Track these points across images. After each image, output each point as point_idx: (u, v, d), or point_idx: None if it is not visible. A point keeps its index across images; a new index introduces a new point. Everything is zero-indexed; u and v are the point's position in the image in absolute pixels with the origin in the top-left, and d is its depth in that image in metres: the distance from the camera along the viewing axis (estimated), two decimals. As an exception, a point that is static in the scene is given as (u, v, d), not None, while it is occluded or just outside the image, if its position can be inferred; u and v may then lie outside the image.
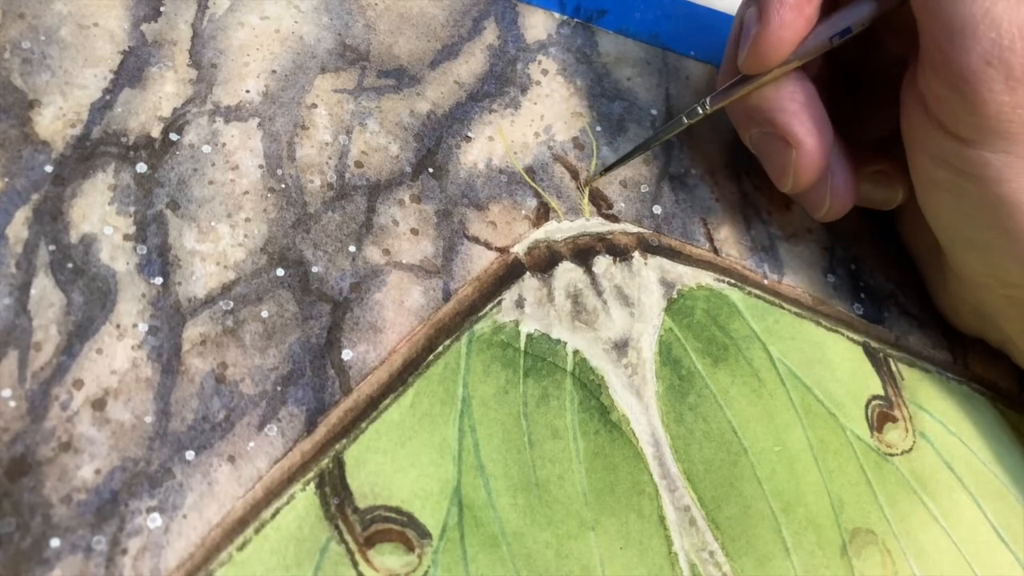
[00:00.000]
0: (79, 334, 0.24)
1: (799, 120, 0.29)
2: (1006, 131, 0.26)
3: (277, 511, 0.24)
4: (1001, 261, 0.28)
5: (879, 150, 0.32)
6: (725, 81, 0.31)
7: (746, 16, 0.29)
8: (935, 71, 0.26)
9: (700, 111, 0.30)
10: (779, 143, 0.30)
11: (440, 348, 0.27)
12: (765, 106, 0.30)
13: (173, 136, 0.28)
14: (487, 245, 0.29)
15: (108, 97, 0.28)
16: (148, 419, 0.24)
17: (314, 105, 0.30)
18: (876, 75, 0.32)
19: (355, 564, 0.24)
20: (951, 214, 0.29)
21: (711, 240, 0.32)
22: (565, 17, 0.35)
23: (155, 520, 0.23)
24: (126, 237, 0.26)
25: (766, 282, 0.32)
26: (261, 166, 0.28)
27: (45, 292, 0.24)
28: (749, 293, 0.31)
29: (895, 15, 0.28)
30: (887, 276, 0.34)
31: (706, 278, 0.31)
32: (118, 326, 0.25)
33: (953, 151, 0.27)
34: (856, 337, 0.32)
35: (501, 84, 0.33)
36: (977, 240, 0.29)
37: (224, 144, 0.28)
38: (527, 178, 0.31)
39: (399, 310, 0.27)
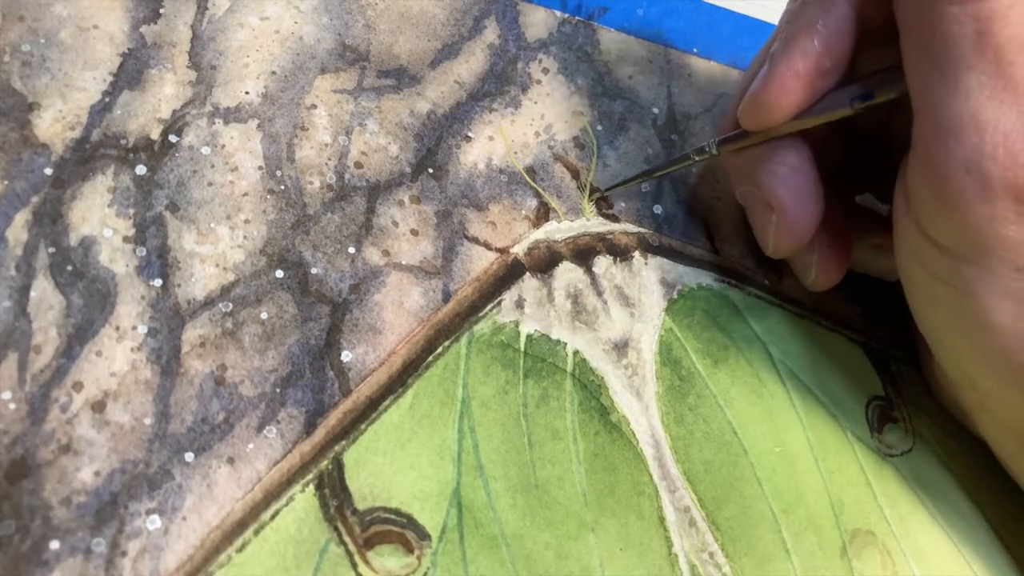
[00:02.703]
0: (79, 336, 0.24)
1: (785, 185, 0.28)
2: (980, 244, 0.23)
3: (276, 513, 0.24)
4: (973, 371, 0.26)
5: (883, 222, 0.30)
6: (730, 129, 0.30)
7: (752, 66, 0.28)
8: (918, 169, 0.25)
9: (708, 150, 0.30)
10: (762, 205, 0.29)
11: (440, 349, 0.27)
12: (753, 166, 0.29)
13: (172, 138, 0.28)
14: (487, 245, 0.29)
15: (107, 99, 0.28)
16: (147, 421, 0.24)
17: (314, 106, 0.30)
18: (895, 148, 0.30)
19: (354, 566, 0.24)
20: (928, 315, 0.27)
21: (712, 240, 0.32)
22: (566, 15, 0.35)
23: (154, 522, 0.23)
24: (125, 239, 0.26)
25: (767, 282, 0.32)
26: (260, 167, 0.28)
27: (45, 294, 0.24)
28: (750, 293, 0.31)
29: None
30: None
31: (707, 278, 0.31)
32: (117, 328, 0.25)
33: (930, 255, 0.25)
34: (857, 337, 0.32)
35: (502, 83, 0.33)
36: (952, 345, 0.27)
37: (223, 146, 0.28)
38: (527, 178, 0.31)
39: (398, 311, 0.27)
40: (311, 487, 0.24)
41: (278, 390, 0.25)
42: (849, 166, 0.31)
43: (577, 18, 0.35)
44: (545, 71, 0.33)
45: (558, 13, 0.35)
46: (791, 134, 0.28)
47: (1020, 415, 0.26)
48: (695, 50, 0.36)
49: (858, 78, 0.27)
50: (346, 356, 0.26)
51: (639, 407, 0.28)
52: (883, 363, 0.32)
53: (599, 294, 0.30)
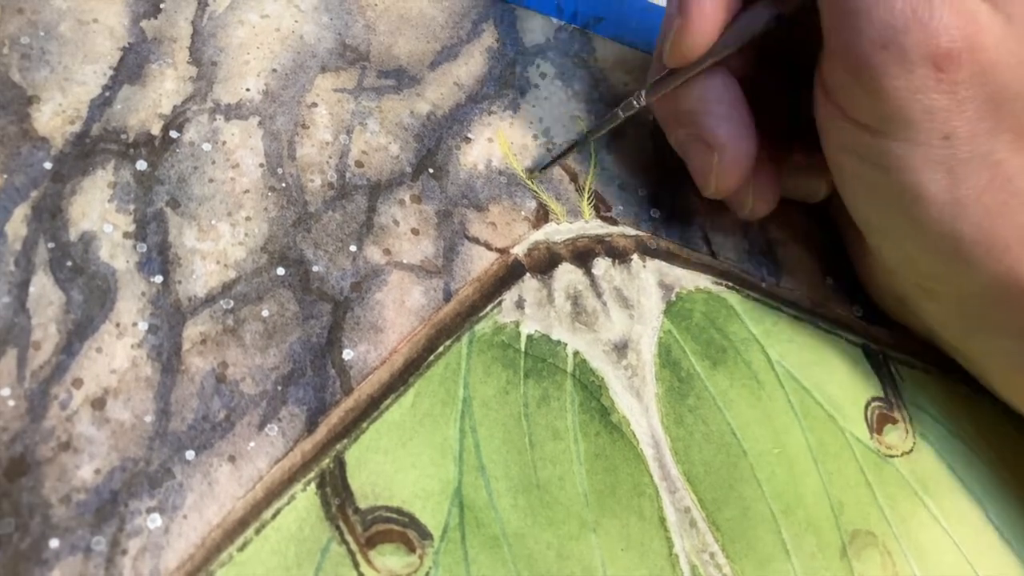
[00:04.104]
0: (78, 333, 0.24)
1: (724, 123, 0.29)
2: (905, 118, 0.24)
3: (278, 511, 0.24)
4: (912, 251, 0.27)
5: (801, 144, 0.31)
6: (656, 75, 0.30)
7: (668, 8, 0.28)
8: (834, 56, 0.26)
9: (635, 104, 0.30)
10: (702, 146, 0.29)
11: (441, 348, 0.27)
12: (691, 108, 0.29)
13: (173, 134, 0.28)
14: (487, 246, 0.29)
15: (108, 94, 0.27)
16: (148, 418, 0.24)
17: (314, 104, 0.30)
18: (797, 67, 0.31)
19: (356, 565, 0.23)
20: (863, 202, 0.28)
21: (709, 243, 0.32)
22: (563, 23, 0.35)
23: (155, 520, 0.23)
24: (126, 235, 0.26)
25: (764, 285, 0.32)
26: (261, 165, 0.28)
27: (44, 290, 0.24)
28: (747, 296, 0.32)
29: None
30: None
31: (704, 281, 0.31)
32: (118, 325, 0.24)
33: (857, 139, 0.26)
34: (855, 339, 0.32)
35: (500, 86, 0.33)
36: (888, 229, 0.28)
37: (224, 142, 0.28)
38: (526, 180, 0.31)
39: (400, 310, 0.27)
40: (312, 486, 0.24)
41: (279, 388, 0.25)
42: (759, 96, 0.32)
43: (573, 26, 0.35)
44: (543, 75, 0.34)
45: (555, 20, 0.35)
46: (719, 72, 0.29)
47: (960, 288, 0.27)
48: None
49: None
50: (347, 354, 0.26)
51: (639, 408, 0.28)
52: (882, 364, 0.32)
53: (599, 296, 0.30)
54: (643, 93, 0.30)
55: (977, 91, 0.24)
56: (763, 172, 0.30)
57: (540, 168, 0.32)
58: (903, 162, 0.25)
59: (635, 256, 0.31)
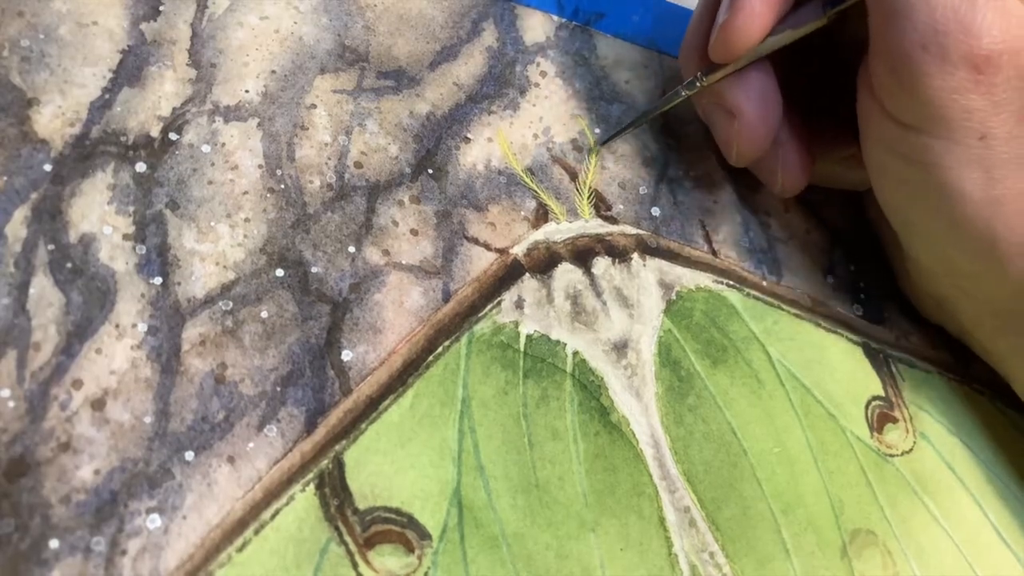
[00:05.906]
0: (78, 334, 0.24)
1: (743, 92, 0.29)
2: (944, 117, 0.25)
3: (277, 512, 0.24)
4: (947, 250, 0.28)
5: (850, 133, 0.31)
6: (689, 54, 0.31)
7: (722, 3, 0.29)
8: (877, 55, 0.26)
9: (698, 84, 0.30)
10: (724, 113, 0.30)
11: (440, 349, 0.27)
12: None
13: (172, 136, 0.28)
14: (486, 246, 0.29)
15: (107, 96, 0.27)
16: (147, 419, 0.24)
17: (313, 106, 0.30)
18: (848, 60, 0.31)
19: (355, 565, 0.24)
20: (900, 200, 0.29)
21: (710, 242, 0.32)
22: (563, 20, 0.35)
23: (154, 521, 0.23)
24: (125, 237, 0.26)
25: (765, 283, 0.32)
26: (260, 166, 0.28)
27: (44, 292, 0.24)
28: (748, 295, 0.31)
29: None
30: (887, 277, 0.34)
31: (705, 280, 0.31)
32: (117, 326, 0.24)
33: (897, 136, 0.27)
34: (856, 338, 0.32)
35: (500, 86, 0.33)
36: (924, 228, 0.28)
37: (223, 144, 0.28)
38: (526, 180, 0.31)
39: (399, 311, 0.27)
40: (311, 486, 0.24)
41: (278, 389, 0.25)
42: (809, 82, 0.32)
43: (574, 23, 0.35)
44: (543, 74, 0.34)
45: (555, 18, 0.35)
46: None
47: (995, 288, 0.28)
48: (690, 55, 0.36)
49: None
50: (346, 355, 0.26)
51: (639, 407, 0.28)
52: (882, 363, 0.32)
53: (598, 295, 0.30)
54: (701, 74, 0.30)
55: (1016, 94, 0.25)
56: (792, 149, 0.31)
57: (602, 142, 0.33)
58: (941, 160, 0.26)
59: (635, 255, 0.31)
